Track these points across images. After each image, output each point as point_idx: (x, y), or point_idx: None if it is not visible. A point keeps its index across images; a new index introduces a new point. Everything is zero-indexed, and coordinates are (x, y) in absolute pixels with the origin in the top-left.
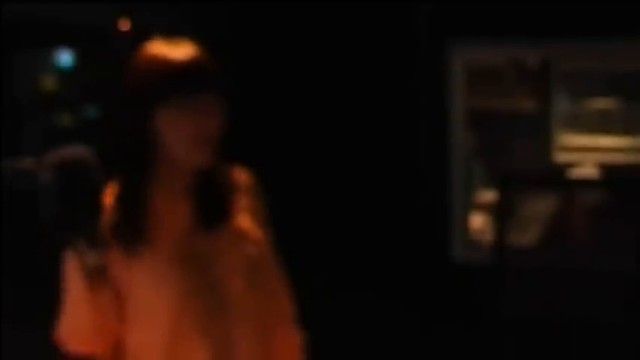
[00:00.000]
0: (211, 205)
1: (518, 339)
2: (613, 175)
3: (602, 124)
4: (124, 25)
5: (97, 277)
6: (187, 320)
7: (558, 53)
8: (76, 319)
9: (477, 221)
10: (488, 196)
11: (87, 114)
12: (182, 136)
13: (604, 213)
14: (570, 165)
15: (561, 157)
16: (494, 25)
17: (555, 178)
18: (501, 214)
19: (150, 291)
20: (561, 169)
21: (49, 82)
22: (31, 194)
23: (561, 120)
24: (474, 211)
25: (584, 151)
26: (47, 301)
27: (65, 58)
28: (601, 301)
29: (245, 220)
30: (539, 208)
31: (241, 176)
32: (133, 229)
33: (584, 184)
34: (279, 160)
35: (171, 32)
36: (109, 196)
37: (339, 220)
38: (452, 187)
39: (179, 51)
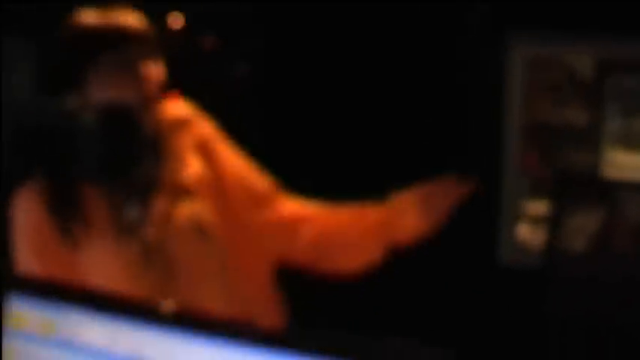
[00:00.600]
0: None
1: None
2: None
3: None
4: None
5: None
6: (141, 292)
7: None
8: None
9: (526, 229)
10: (537, 205)
11: None
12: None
13: None
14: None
15: (612, 173)
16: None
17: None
18: (554, 218)
19: (97, 271)
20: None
21: None
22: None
23: (614, 135)
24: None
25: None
26: None
27: None
28: None
29: (191, 164)
30: (589, 217)
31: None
32: (69, 211)
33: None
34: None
35: None
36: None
37: None
38: (502, 193)
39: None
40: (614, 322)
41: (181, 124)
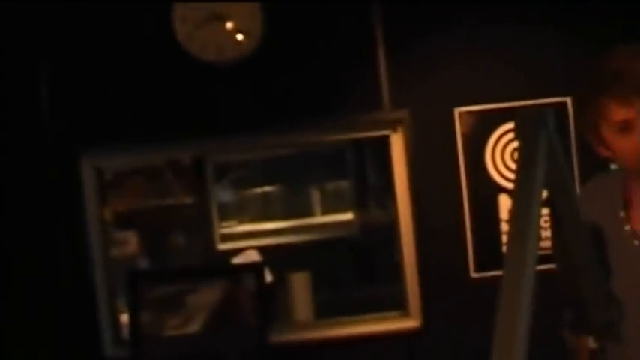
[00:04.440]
0: None
1: None
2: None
3: (260, 210)
4: None
5: None
6: None
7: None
8: None
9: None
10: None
11: None
12: None
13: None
14: (232, 251)
15: (223, 246)
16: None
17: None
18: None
19: None
20: (223, 257)
21: None
22: None
23: (221, 210)
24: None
25: (245, 238)
26: None
27: None
28: None
29: None
30: (206, 296)
31: None
32: None
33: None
34: None
35: None
36: None
37: None
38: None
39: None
40: None
41: None
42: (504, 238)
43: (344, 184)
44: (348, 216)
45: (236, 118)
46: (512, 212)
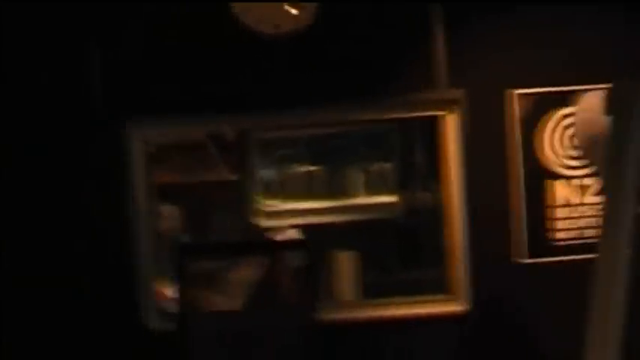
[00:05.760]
0: None
1: None
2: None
3: (304, 188)
4: None
5: None
6: None
7: (254, 124)
8: None
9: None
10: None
11: None
12: None
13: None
14: (274, 229)
15: (266, 223)
16: (183, 100)
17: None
18: (183, 280)
19: None
20: (264, 234)
21: None
22: None
23: (265, 187)
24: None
25: (288, 216)
26: None
27: None
28: None
29: None
30: (246, 272)
31: None
32: None
33: (285, 246)
34: None
35: None
36: None
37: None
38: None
39: None
40: None
41: None
42: (554, 224)
43: (388, 166)
44: (392, 198)
45: (285, 93)
46: (605, 191)
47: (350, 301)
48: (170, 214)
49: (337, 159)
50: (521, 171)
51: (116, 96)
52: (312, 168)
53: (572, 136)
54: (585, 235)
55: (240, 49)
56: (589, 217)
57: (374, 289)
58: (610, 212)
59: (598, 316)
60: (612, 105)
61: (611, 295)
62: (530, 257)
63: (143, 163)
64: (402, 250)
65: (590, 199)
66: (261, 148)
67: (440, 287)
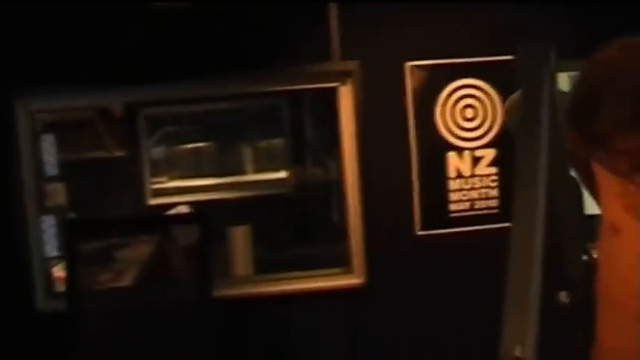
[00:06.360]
0: None
1: None
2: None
3: (193, 166)
4: None
5: None
6: None
7: (143, 99)
8: None
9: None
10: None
11: None
12: None
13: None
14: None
15: (154, 201)
16: (71, 73)
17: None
18: (70, 260)
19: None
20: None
21: None
22: None
23: (153, 165)
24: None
25: (177, 193)
26: None
27: None
28: None
29: None
30: (137, 249)
31: None
32: None
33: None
34: None
35: None
36: None
37: None
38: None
39: None
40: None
41: None
42: (451, 197)
43: (279, 142)
44: (282, 174)
45: (174, 67)
46: (518, 157)
47: (244, 276)
48: (57, 192)
49: (227, 136)
50: (417, 143)
51: (2, 70)
52: (201, 144)
53: (464, 108)
54: (476, 207)
55: (129, 23)
56: (481, 188)
57: (267, 265)
58: (522, 186)
59: (515, 276)
60: (519, 73)
61: (528, 249)
62: (429, 229)
63: (30, 139)
64: (294, 225)
65: (483, 170)
66: (148, 126)
67: (335, 261)
